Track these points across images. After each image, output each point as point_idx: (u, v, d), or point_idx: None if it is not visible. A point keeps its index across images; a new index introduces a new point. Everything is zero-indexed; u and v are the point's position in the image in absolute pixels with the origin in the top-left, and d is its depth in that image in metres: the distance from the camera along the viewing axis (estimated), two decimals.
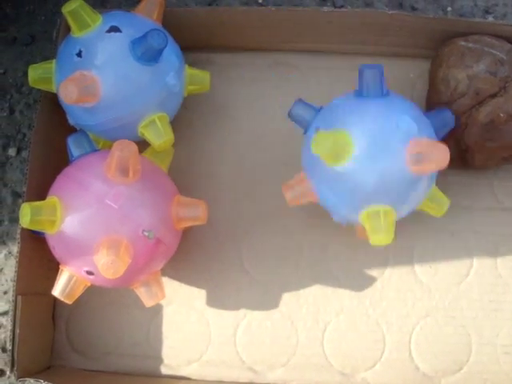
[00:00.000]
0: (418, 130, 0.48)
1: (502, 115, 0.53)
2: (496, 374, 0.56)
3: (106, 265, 0.46)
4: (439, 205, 0.52)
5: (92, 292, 0.56)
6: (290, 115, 0.52)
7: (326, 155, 0.46)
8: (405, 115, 0.48)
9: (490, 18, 0.63)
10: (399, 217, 0.50)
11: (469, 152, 0.55)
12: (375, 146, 0.47)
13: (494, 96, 0.53)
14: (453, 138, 0.55)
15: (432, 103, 0.56)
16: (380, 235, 0.47)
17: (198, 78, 0.56)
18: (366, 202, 0.48)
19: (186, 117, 0.59)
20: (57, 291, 0.50)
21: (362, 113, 0.48)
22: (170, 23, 0.56)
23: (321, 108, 0.52)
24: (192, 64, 0.59)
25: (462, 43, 0.55)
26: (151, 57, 0.50)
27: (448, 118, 0.52)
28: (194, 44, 0.61)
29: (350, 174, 0.47)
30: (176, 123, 0.57)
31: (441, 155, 0.45)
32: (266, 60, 0.61)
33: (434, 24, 0.57)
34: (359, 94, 0.49)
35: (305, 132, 0.51)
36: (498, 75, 0.53)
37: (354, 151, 0.46)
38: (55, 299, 0.57)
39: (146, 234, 0.48)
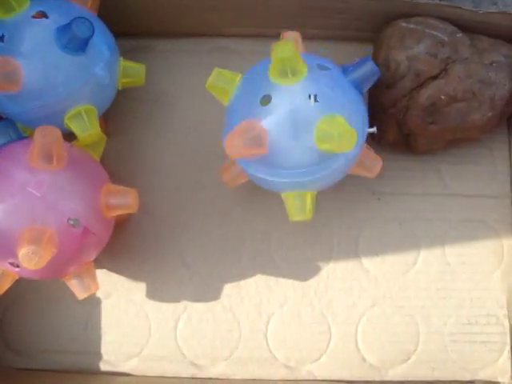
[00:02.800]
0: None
1: (443, 97, 0.51)
2: (444, 363, 0.54)
3: (27, 256, 0.44)
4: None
5: (27, 287, 0.55)
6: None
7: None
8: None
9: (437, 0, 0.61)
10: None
11: (412, 136, 0.54)
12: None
13: (434, 78, 0.51)
14: (395, 122, 0.53)
15: (374, 86, 0.54)
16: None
17: (133, 71, 0.54)
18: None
19: (124, 104, 0.57)
20: None
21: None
22: (107, 9, 0.54)
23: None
24: (130, 51, 0.58)
25: (404, 24, 0.53)
26: (77, 46, 0.48)
27: (370, 68, 0.49)
28: (133, 30, 0.59)
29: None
30: (114, 111, 0.55)
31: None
32: (206, 45, 0.60)
33: (378, 6, 0.55)
34: None
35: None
36: (439, 57, 0.51)
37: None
38: None
39: (72, 222, 0.46)
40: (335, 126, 0.43)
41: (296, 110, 0.45)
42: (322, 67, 0.47)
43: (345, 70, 0.49)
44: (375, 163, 0.50)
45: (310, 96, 0.45)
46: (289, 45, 0.44)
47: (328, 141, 0.43)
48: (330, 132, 0.43)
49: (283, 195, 0.49)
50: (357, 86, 0.49)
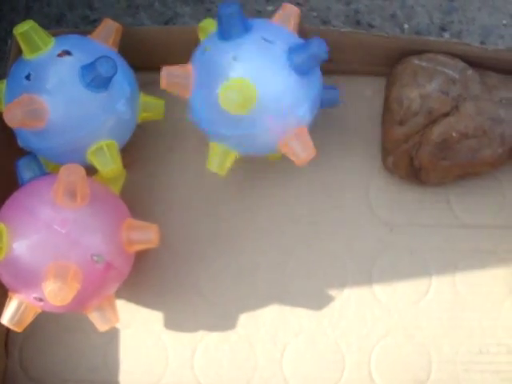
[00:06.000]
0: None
1: (454, 134, 0.53)
2: None
3: (53, 292, 0.45)
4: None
5: (46, 317, 0.55)
6: None
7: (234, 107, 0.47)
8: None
9: (446, 35, 0.63)
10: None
11: (423, 170, 0.55)
12: None
13: (446, 115, 0.53)
14: (407, 157, 0.55)
15: (386, 122, 0.56)
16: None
17: (153, 106, 0.56)
18: None
19: (141, 137, 0.59)
20: (5, 319, 0.49)
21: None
22: (125, 43, 0.56)
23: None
24: (147, 84, 0.59)
25: (416, 62, 0.55)
26: (100, 84, 0.49)
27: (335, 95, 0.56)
28: (150, 64, 0.60)
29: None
30: (130, 144, 0.56)
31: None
32: None
33: (389, 42, 0.57)
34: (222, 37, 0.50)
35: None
36: (450, 94, 0.53)
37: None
38: None
39: (96, 258, 0.48)
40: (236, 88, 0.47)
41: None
42: (266, 40, 0.49)
43: (291, 51, 0.49)
44: (306, 149, 0.50)
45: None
46: None
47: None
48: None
49: (210, 144, 0.52)
50: (300, 67, 0.49)
